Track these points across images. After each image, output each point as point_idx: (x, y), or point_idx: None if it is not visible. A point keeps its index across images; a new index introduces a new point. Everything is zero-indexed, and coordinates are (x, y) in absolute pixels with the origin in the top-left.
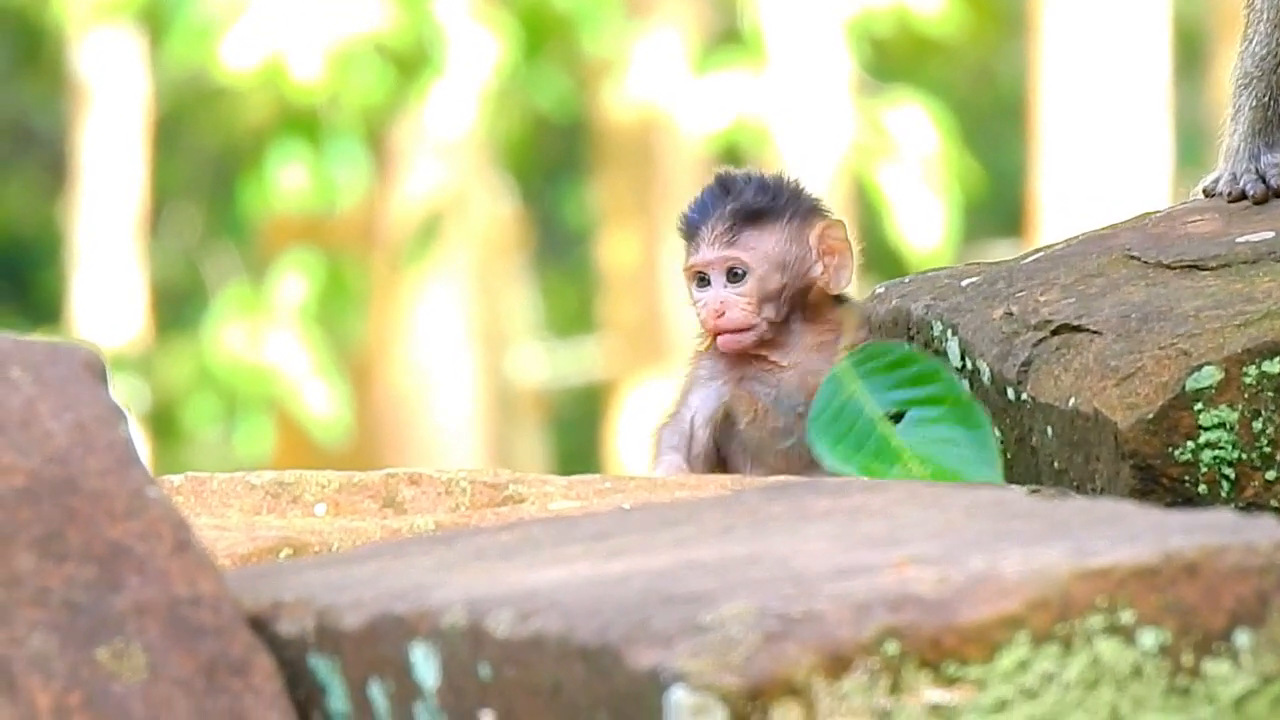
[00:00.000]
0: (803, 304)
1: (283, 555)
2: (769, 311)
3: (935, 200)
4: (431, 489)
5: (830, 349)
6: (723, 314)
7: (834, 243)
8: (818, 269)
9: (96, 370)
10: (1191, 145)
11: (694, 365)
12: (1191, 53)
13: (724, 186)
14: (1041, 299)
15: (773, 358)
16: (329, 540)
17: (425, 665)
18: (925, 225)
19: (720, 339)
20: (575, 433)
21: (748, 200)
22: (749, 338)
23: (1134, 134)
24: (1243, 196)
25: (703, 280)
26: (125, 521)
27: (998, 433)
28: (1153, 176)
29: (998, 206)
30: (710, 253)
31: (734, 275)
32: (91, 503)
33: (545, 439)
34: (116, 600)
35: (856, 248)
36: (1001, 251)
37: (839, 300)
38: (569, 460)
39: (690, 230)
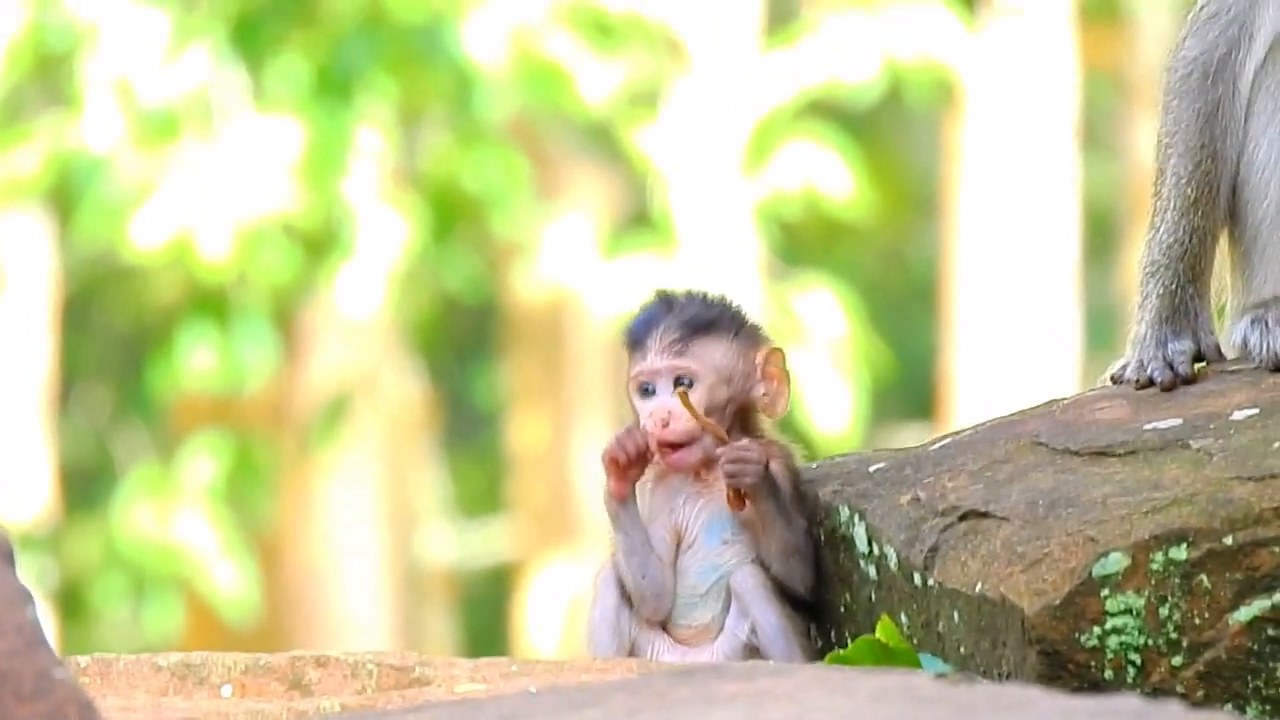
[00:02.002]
0: (740, 426)
1: None
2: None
3: (843, 384)
4: (338, 671)
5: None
6: (667, 423)
7: (776, 368)
8: (759, 389)
9: (4, 552)
10: (1101, 328)
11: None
12: (1102, 236)
13: (667, 302)
14: (949, 485)
15: (708, 478)
16: None
17: None
18: (833, 409)
19: (670, 458)
20: (484, 613)
21: (697, 312)
22: (694, 453)
23: (1044, 317)
24: (1150, 383)
25: (647, 391)
26: (32, 703)
27: (904, 618)
28: (1062, 359)
29: (908, 389)
30: (659, 361)
31: (680, 384)
32: None
33: (454, 619)
34: None
35: (793, 380)
36: (911, 434)
37: (762, 432)
38: (478, 640)
39: (636, 341)
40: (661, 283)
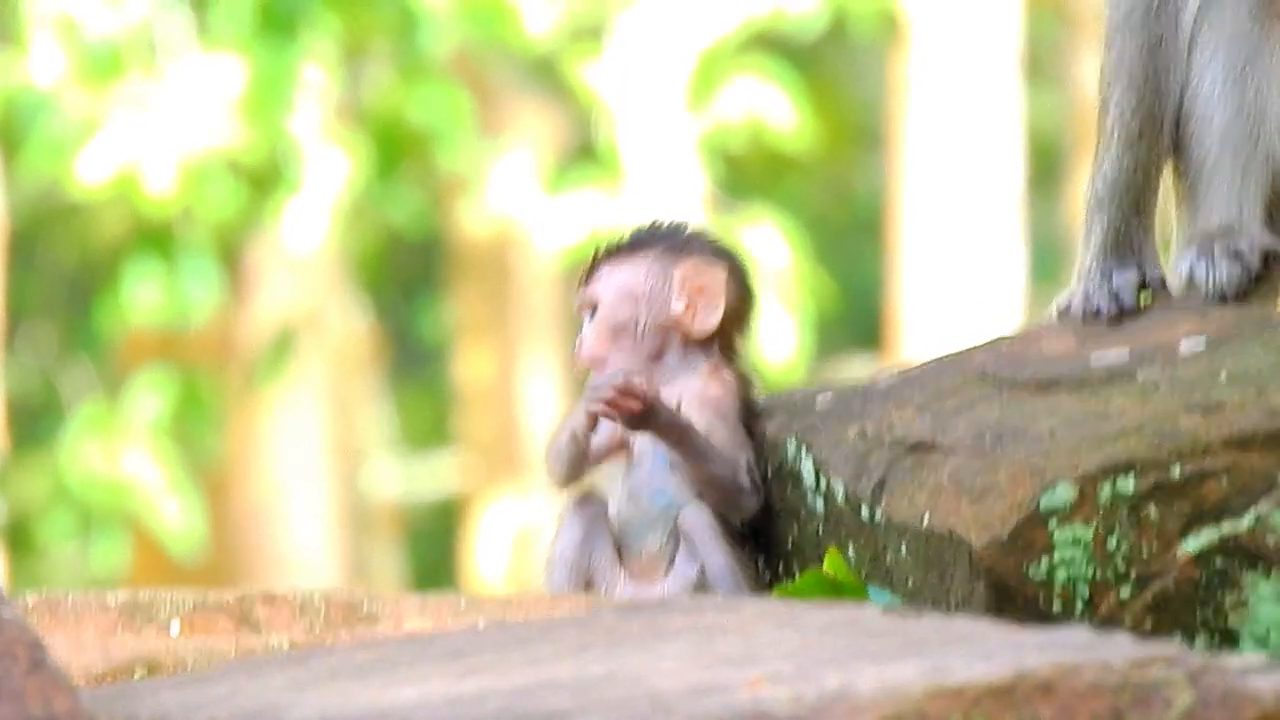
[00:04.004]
0: (680, 344)
1: (138, 675)
2: (627, 343)
3: (788, 316)
4: (286, 608)
5: (713, 405)
6: (580, 349)
7: (703, 283)
8: (677, 305)
9: None
10: (1046, 260)
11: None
12: (1046, 168)
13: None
14: (896, 418)
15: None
16: (184, 659)
17: None
18: (778, 341)
19: (591, 380)
20: (431, 547)
21: (621, 239)
22: (608, 372)
23: (989, 249)
24: (1096, 315)
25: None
26: None
27: (852, 552)
28: (1008, 291)
29: (854, 321)
30: (575, 297)
31: (593, 311)
32: None
33: (401, 554)
34: None
35: (743, 296)
36: (857, 366)
37: (730, 354)
38: (425, 574)
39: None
40: (605, 218)
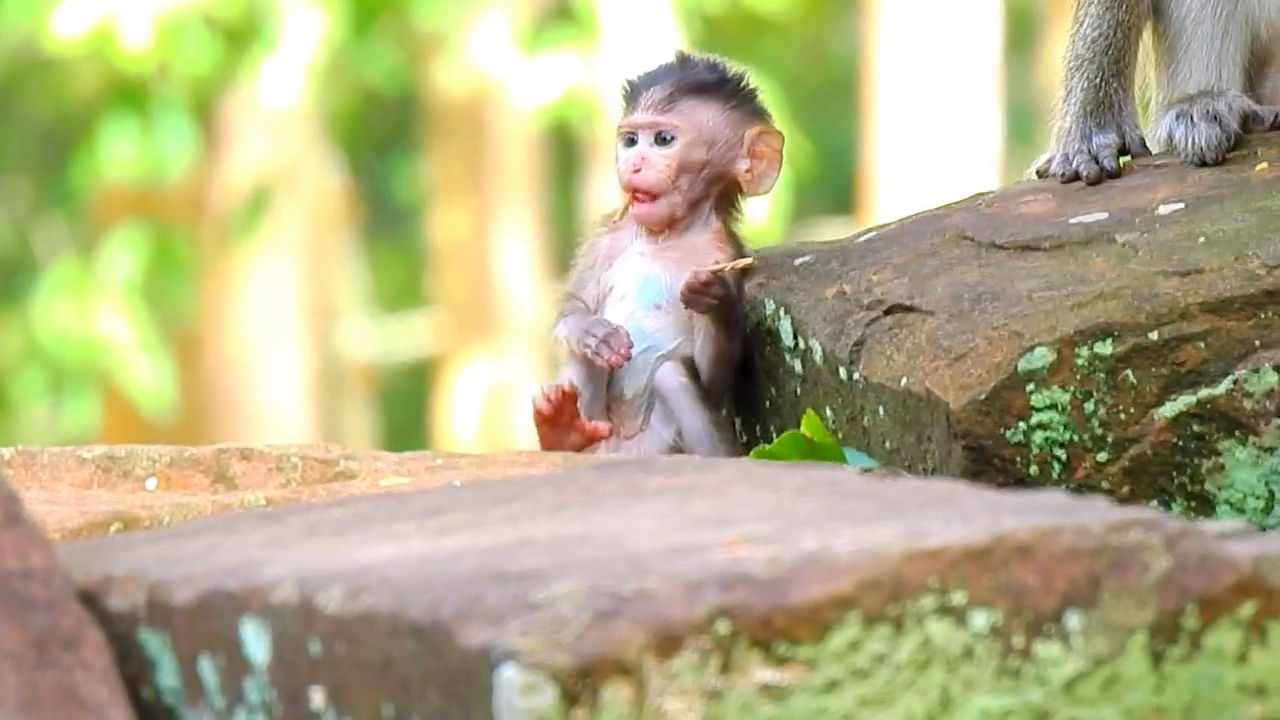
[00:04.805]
0: (715, 200)
1: (113, 530)
2: (684, 184)
3: None
4: (263, 464)
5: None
6: (639, 170)
7: (767, 149)
8: (742, 164)
9: None
10: (1022, 124)
11: (593, 240)
12: (1023, 31)
13: (681, 62)
14: (874, 279)
15: (664, 238)
16: (160, 515)
17: (256, 641)
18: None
19: (634, 209)
20: (404, 408)
21: (698, 75)
22: (660, 208)
23: (965, 112)
24: (1076, 177)
25: (631, 142)
26: None
27: (830, 413)
28: (983, 155)
29: (830, 184)
30: (644, 116)
31: (661, 139)
32: None
33: (374, 414)
34: None
35: (784, 168)
36: (832, 229)
37: (733, 216)
38: (398, 435)
39: (632, 93)
40: (581, 78)
